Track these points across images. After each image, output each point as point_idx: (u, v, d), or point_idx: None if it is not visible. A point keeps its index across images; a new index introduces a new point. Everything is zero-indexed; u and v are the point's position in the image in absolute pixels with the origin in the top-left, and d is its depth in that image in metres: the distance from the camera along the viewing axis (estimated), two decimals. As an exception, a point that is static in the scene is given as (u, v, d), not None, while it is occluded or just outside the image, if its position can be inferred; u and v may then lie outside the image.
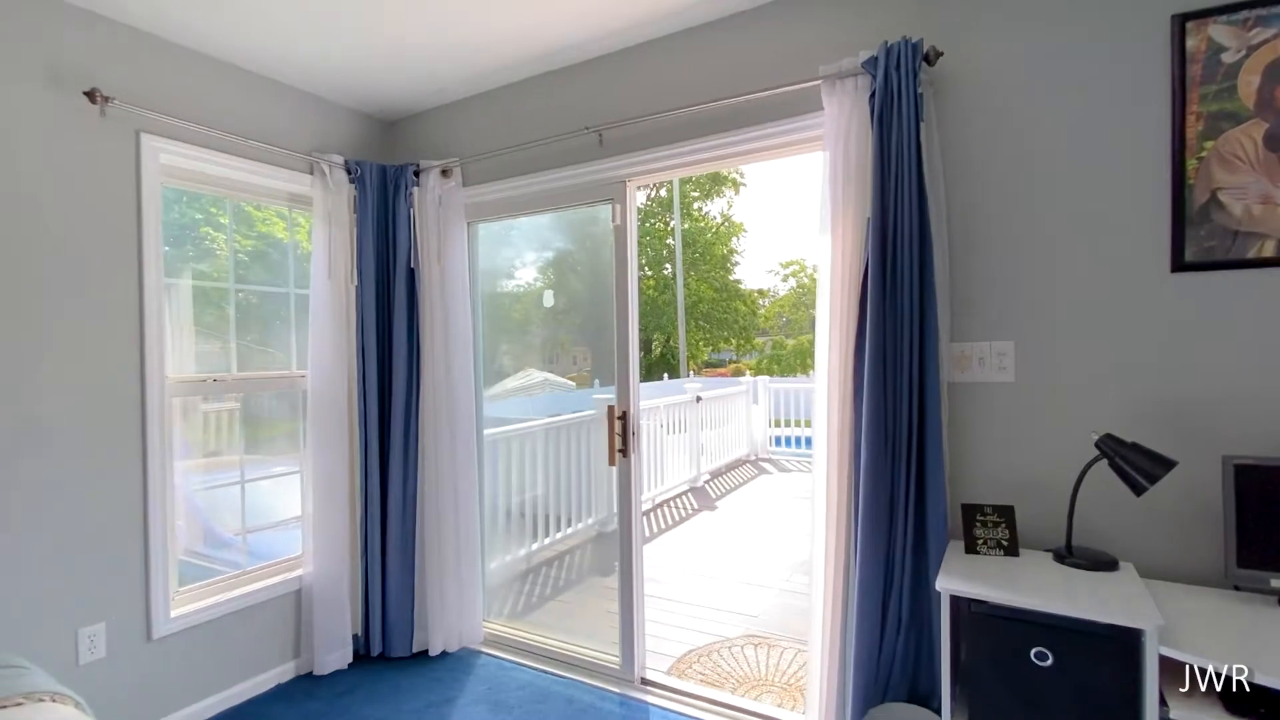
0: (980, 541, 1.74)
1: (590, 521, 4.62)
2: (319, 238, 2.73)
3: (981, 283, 1.88)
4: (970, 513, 1.77)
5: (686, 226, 25.64)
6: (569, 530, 4.44)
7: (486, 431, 3.85)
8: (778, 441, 8.61)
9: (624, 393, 2.55)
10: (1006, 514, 1.75)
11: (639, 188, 2.60)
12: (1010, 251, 1.85)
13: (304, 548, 2.76)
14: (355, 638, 2.83)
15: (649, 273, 27.33)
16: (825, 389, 1.97)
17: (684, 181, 27.18)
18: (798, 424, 8.57)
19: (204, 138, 2.43)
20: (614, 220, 2.54)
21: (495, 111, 2.85)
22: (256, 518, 2.84)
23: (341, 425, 2.76)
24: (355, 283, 2.82)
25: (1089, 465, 1.65)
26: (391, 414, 2.83)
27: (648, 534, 4.96)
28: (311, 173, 2.77)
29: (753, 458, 8.14)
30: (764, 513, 5.58)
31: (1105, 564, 1.61)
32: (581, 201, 2.65)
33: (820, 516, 2.00)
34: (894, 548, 1.85)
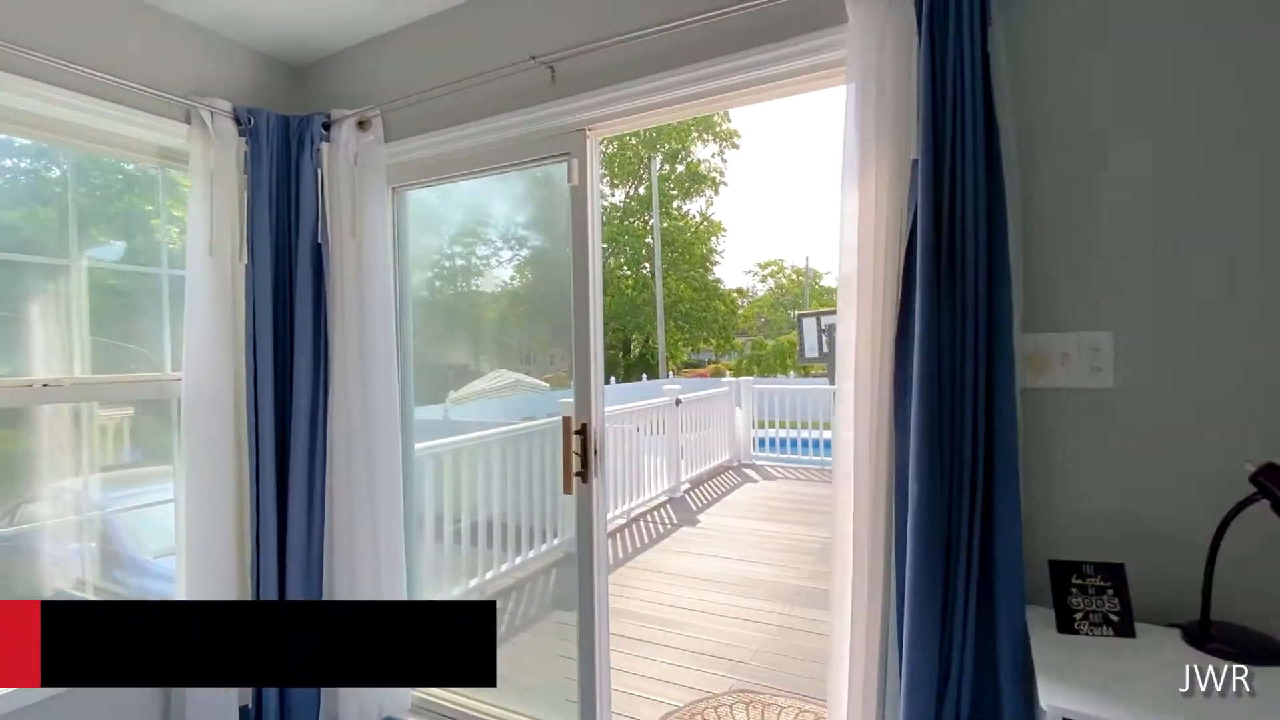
0: (1079, 616, 1.22)
1: (555, 542, 4.06)
2: (197, 203, 2.14)
3: (1067, 250, 1.37)
4: (1063, 573, 1.25)
5: (665, 226, 25.24)
6: (530, 554, 3.88)
7: (430, 444, 3.30)
8: (761, 444, 8.13)
9: (585, 400, 2.01)
10: (1114, 575, 1.23)
11: (602, 142, 2.06)
12: (1109, 206, 1.34)
13: (178, 594, 2.17)
14: (244, 711, 2.24)
15: (628, 271, 26.95)
16: (851, 394, 1.45)
17: (663, 179, 26.84)
18: (782, 425, 8.09)
19: (26, 64, 1.83)
20: (570, 179, 1.99)
21: (424, 47, 2.28)
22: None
23: (225, 441, 2.17)
24: (245, 261, 2.22)
25: (1238, 508, 1.14)
26: (291, 427, 2.25)
27: (621, 555, 4.42)
28: (189, 121, 2.17)
29: (735, 464, 7.65)
30: (750, 528, 5.07)
31: (1270, 653, 1.10)
32: (530, 158, 2.09)
33: (846, 563, 1.48)
34: (953, 618, 1.33)
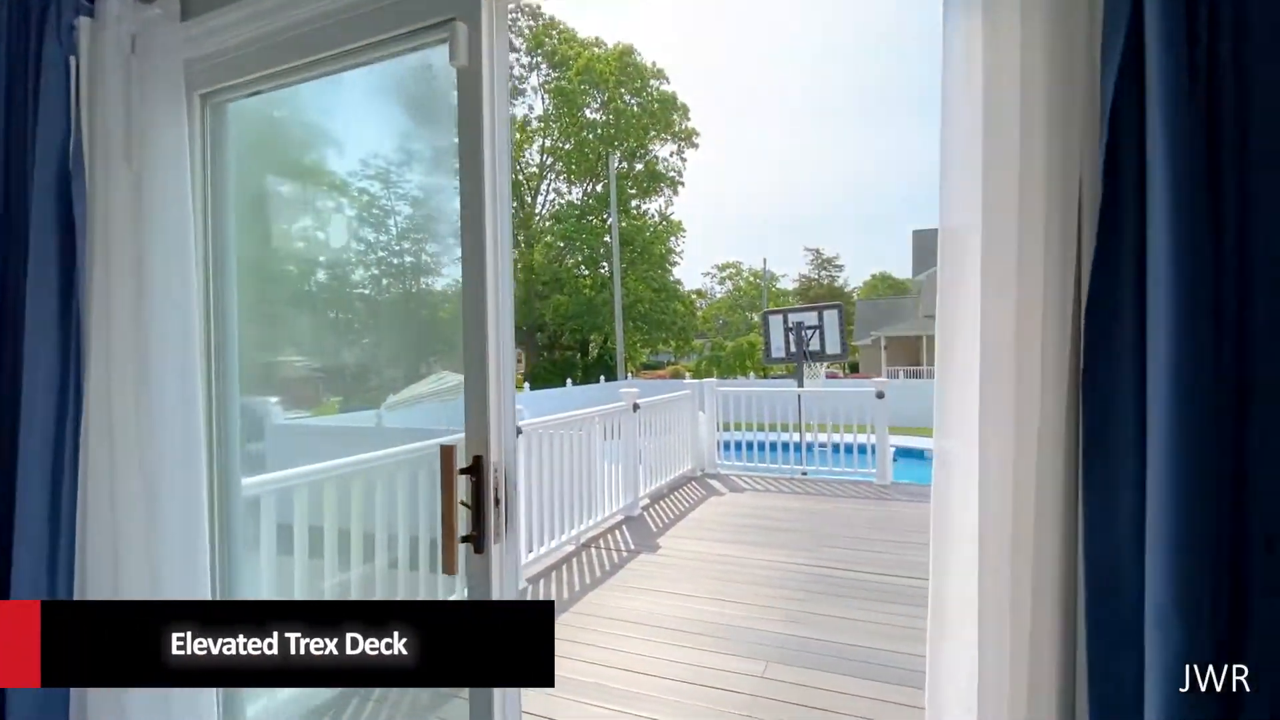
0: None
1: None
2: None
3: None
4: None
5: (624, 225, 24.61)
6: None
7: (308, 469, 2.50)
8: (725, 448, 7.48)
9: (479, 418, 1.25)
10: None
11: (514, 14, 1.32)
12: None
13: None
14: None
15: (586, 271, 26.22)
16: (974, 402, 0.74)
17: (621, 177, 26.22)
18: (749, 426, 7.45)
19: None
20: (454, 58, 1.23)
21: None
22: None
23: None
24: (-62, 195, 1.40)
25: None
26: (20, 449, 1.42)
27: (566, 596, 3.65)
28: None
29: (699, 473, 6.97)
30: (717, 554, 4.36)
31: None
32: (398, 32, 1.33)
33: (960, 638, 0.79)
34: None
